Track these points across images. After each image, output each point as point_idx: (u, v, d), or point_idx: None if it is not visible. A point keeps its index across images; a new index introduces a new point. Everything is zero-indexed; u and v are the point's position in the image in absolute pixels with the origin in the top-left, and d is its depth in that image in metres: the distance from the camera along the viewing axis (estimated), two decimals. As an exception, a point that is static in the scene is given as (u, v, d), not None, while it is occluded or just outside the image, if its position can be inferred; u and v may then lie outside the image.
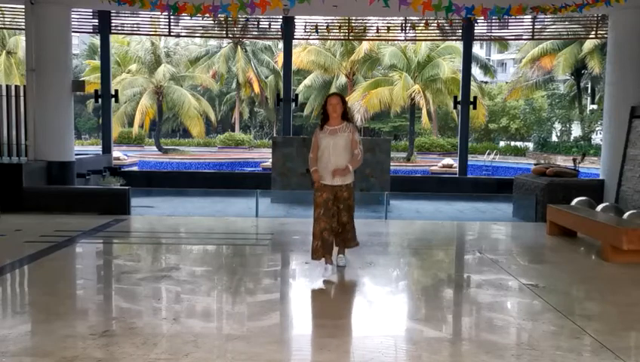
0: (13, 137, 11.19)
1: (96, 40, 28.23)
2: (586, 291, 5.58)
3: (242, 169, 23.77)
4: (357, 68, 31.81)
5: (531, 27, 13.91)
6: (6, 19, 13.88)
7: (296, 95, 14.70)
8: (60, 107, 10.96)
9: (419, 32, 14.07)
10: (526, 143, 35.00)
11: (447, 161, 21.62)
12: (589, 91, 34.75)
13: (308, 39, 18.58)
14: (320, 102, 34.20)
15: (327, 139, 5.59)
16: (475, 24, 13.28)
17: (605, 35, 12.30)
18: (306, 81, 33.51)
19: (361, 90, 29.07)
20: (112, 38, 16.67)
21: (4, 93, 11.22)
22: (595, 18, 13.05)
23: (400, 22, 13.60)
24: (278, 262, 6.65)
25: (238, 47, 34.63)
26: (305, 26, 13.50)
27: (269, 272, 5.98)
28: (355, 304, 4.84)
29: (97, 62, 26.77)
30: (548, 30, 17.78)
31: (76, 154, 11.90)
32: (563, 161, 21.90)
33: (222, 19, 13.25)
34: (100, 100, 13.32)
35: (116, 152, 18.86)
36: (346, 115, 5.69)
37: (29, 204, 9.48)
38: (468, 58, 13.84)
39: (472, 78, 19.27)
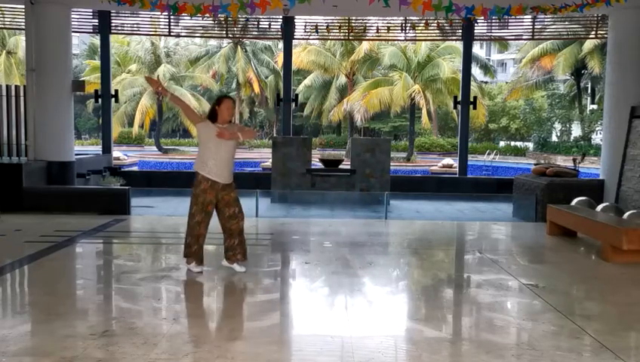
0: (13, 137, 11.19)
1: (96, 40, 28.24)
2: (586, 291, 5.58)
3: (242, 169, 23.75)
4: (357, 68, 31.80)
5: (531, 27, 13.91)
6: (6, 19, 13.88)
7: (296, 95, 14.70)
8: (59, 107, 10.96)
9: (419, 32, 14.07)
10: (526, 143, 35.02)
11: (447, 161, 21.61)
12: (589, 91, 34.76)
13: (308, 39, 18.58)
14: (320, 101, 34.32)
15: (216, 131, 5.42)
16: (475, 24, 13.28)
17: (605, 35, 12.30)
18: (306, 81, 33.51)
19: (361, 90, 29.08)
20: (112, 38, 16.66)
21: (4, 93, 11.22)
22: (595, 18, 13.05)
23: (400, 22, 13.60)
24: (278, 262, 6.64)
25: (238, 47, 34.63)
26: (305, 26, 13.50)
27: (269, 272, 5.98)
28: (355, 304, 4.84)
29: (97, 62, 26.77)
30: (548, 30, 17.79)
31: (76, 154, 11.90)
32: (563, 161, 21.93)
33: (222, 19, 13.25)
34: (100, 100, 13.32)
35: (116, 152, 18.85)
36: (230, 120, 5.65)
37: (29, 204, 9.48)
38: (468, 58, 13.84)
39: (472, 78, 19.27)
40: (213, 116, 5.56)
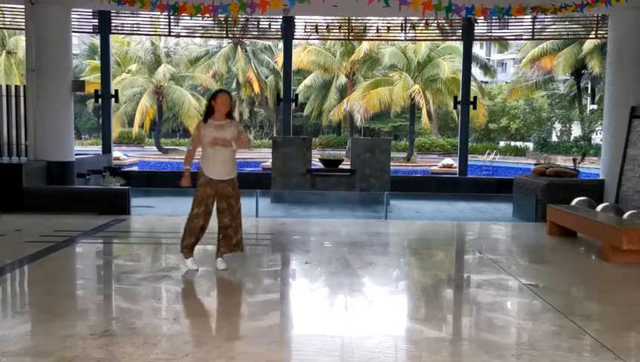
0: (13, 137, 11.18)
1: (96, 40, 28.23)
2: (586, 291, 5.58)
3: (242, 169, 23.75)
4: (357, 68, 31.80)
5: (531, 27, 13.89)
6: (6, 19, 13.87)
7: (296, 95, 14.70)
8: (59, 107, 10.95)
9: (419, 32, 14.05)
10: (526, 143, 35.01)
11: (447, 161, 21.61)
12: (589, 91, 34.76)
13: (308, 39, 18.58)
14: (320, 101, 34.32)
15: (213, 133, 5.60)
16: (475, 24, 13.27)
17: (605, 35, 12.28)
18: (306, 81, 33.51)
19: (361, 90, 29.08)
20: (112, 38, 16.66)
21: (4, 93, 11.21)
22: (595, 18, 13.04)
23: (400, 22, 13.59)
24: (278, 262, 6.64)
25: (238, 47, 34.64)
26: (305, 26, 13.49)
27: (269, 272, 5.98)
28: (355, 304, 4.84)
29: (97, 62, 26.76)
30: (548, 30, 17.79)
31: (76, 154, 11.88)
32: (563, 161, 21.90)
33: (222, 19, 13.24)
34: (100, 100, 13.31)
35: (116, 152, 18.84)
36: (231, 113, 5.78)
37: (29, 204, 9.47)
38: (468, 58, 13.82)
39: (472, 78, 19.27)
40: (209, 111, 5.67)
